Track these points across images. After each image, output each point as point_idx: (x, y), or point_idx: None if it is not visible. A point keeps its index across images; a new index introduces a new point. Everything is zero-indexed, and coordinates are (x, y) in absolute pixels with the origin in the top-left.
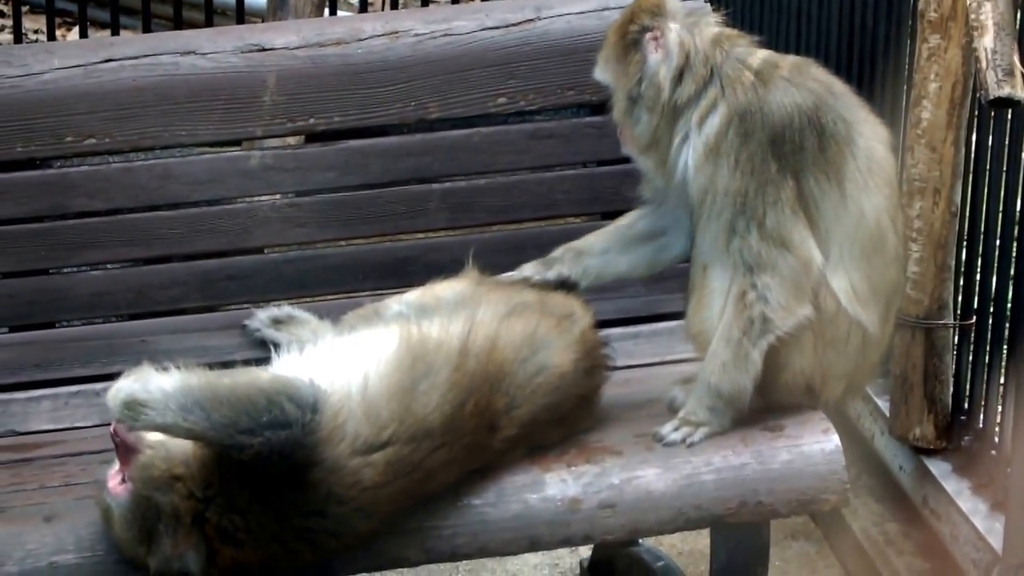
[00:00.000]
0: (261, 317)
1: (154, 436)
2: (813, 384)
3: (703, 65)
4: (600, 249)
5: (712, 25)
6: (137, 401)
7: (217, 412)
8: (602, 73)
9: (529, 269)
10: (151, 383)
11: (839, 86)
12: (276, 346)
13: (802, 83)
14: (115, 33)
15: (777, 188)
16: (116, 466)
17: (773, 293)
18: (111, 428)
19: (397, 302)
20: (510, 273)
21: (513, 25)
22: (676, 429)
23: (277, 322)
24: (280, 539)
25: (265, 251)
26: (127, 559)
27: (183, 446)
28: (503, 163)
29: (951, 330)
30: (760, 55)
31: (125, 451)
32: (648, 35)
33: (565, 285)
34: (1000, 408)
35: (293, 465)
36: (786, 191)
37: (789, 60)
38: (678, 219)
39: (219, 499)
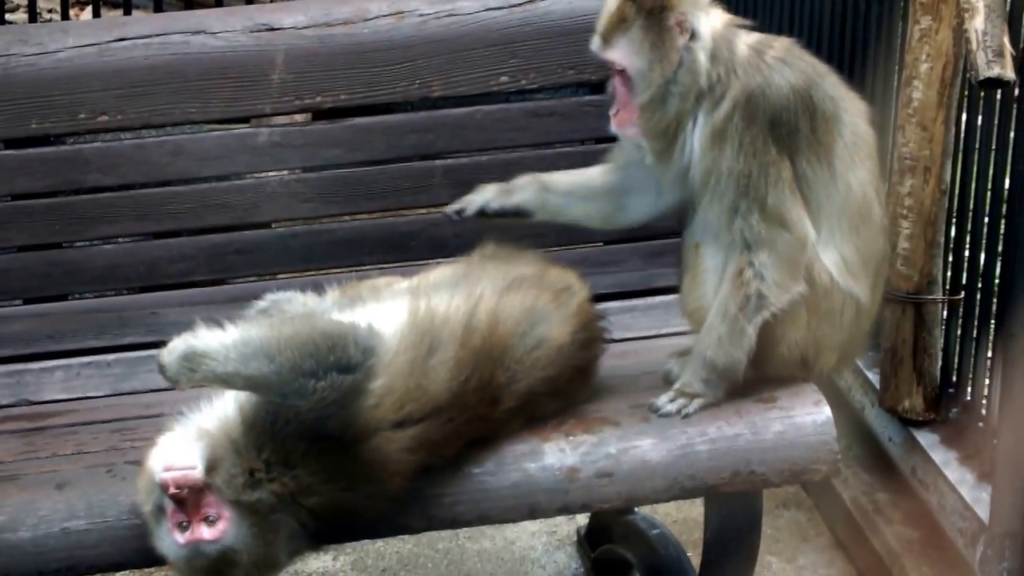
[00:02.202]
0: (250, 315)
1: (200, 452)
2: (808, 356)
3: (725, 50)
4: (564, 190)
5: (715, 8)
6: (196, 352)
7: (280, 356)
8: (630, 58)
9: (491, 191)
10: (208, 336)
11: (822, 66)
12: None
13: (794, 63)
14: (127, 13)
15: (777, 169)
16: (180, 525)
17: (769, 271)
18: (169, 485)
19: (400, 282)
20: (470, 196)
21: (515, 6)
22: (672, 400)
23: (265, 313)
24: (342, 488)
25: (273, 226)
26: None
27: (224, 439)
28: (504, 140)
29: (940, 305)
30: (754, 37)
31: (194, 495)
32: (673, 19)
33: (519, 214)
34: (987, 381)
35: (347, 416)
36: (785, 171)
37: (779, 42)
38: (645, 187)
39: (275, 458)
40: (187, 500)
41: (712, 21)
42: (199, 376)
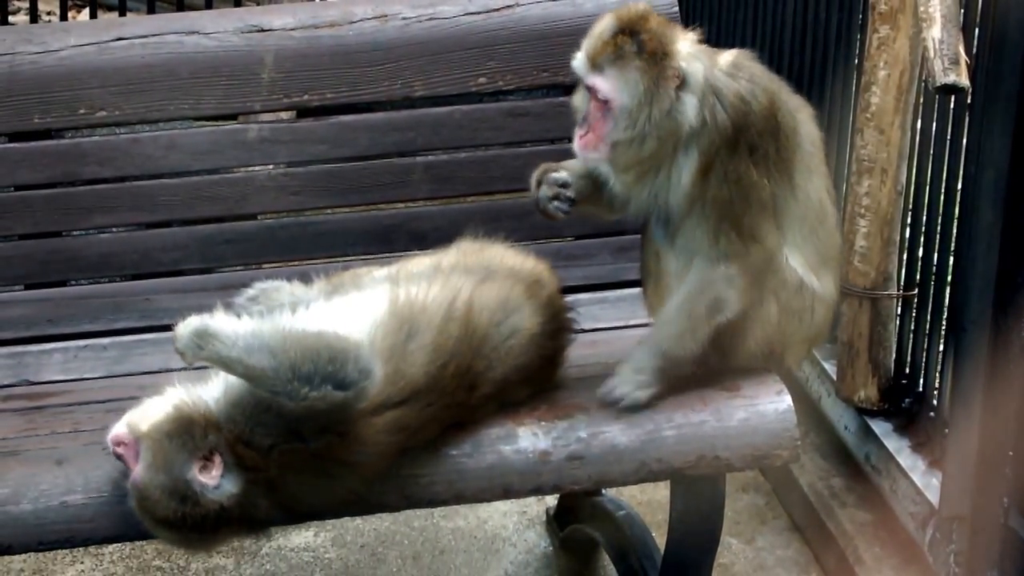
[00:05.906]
0: (239, 302)
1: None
2: (775, 351)
3: (712, 94)
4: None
5: (698, 44)
6: (208, 332)
7: (282, 354)
8: (618, 92)
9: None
10: (223, 320)
11: (775, 77)
12: None
13: (759, 82)
14: (122, 15)
15: (757, 191)
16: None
17: (738, 280)
18: (111, 439)
19: (380, 270)
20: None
21: (493, 11)
22: (619, 386)
23: (253, 300)
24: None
25: (260, 217)
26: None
27: (181, 413)
28: (481, 139)
29: (895, 300)
30: (725, 60)
31: (129, 451)
32: (672, 70)
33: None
34: (939, 373)
35: (329, 424)
36: (764, 192)
37: (743, 61)
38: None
39: (238, 433)
40: (125, 457)
41: (700, 63)
42: (204, 354)
